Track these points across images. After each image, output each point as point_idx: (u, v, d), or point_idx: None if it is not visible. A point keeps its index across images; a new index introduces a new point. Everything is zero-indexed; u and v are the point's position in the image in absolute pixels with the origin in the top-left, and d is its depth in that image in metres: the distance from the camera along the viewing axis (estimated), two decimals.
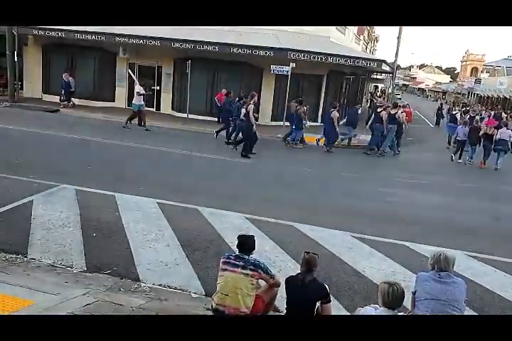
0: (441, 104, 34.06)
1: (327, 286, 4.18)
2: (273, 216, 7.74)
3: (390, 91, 29.90)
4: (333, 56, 17.75)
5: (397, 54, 23.65)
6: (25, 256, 5.63)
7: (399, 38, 23.20)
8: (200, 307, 4.78)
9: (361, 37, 36.96)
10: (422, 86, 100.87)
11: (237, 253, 4.31)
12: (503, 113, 23.79)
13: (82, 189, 8.30)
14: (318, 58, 17.71)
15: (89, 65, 20.83)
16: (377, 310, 3.71)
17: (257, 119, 13.98)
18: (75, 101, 20.06)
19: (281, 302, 4.61)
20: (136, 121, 16.27)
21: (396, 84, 40.80)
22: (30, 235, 6.17)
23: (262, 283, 4.42)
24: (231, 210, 7.85)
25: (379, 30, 79.53)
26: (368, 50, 45.09)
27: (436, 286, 3.81)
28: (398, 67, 32.14)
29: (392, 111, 15.98)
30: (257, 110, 15.32)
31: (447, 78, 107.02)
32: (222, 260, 4.28)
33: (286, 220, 7.63)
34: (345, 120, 18.43)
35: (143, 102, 16.33)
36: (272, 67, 17.50)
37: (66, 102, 19.45)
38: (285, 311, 4.32)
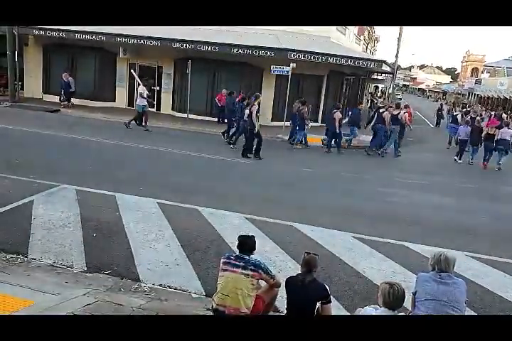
0: (441, 104, 34.06)
1: (327, 287, 4.18)
2: (273, 216, 7.74)
3: (390, 91, 29.88)
4: (334, 56, 17.75)
5: (397, 54, 23.70)
6: (26, 256, 5.63)
7: (399, 38, 23.24)
8: (200, 308, 4.77)
9: (361, 37, 36.95)
10: (423, 86, 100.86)
11: (238, 253, 4.30)
12: (503, 114, 23.81)
13: (83, 189, 8.30)
14: (318, 58, 17.71)
15: (90, 65, 20.84)
16: (378, 311, 3.70)
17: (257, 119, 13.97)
18: (76, 101, 20.09)
19: (281, 302, 4.62)
20: (135, 121, 16.29)
21: (396, 85, 40.82)
22: (30, 235, 6.17)
23: (263, 283, 4.42)
24: (231, 210, 7.85)
25: (379, 30, 79.66)
26: (369, 51, 45.08)
27: (437, 287, 3.80)
28: (398, 67, 32.15)
29: (395, 112, 16.01)
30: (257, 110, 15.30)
31: (448, 78, 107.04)
32: (222, 260, 4.28)
33: (287, 220, 7.63)
34: (346, 120, 18.43)
35: (146, 103, 16.36)
36: (272, 67, 17.50)
37: (66, 102, 19.46)
38: (285, 311, 4.32)
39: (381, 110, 16.33)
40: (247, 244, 4.30)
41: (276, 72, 17.85)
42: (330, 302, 4.17)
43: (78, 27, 17.75)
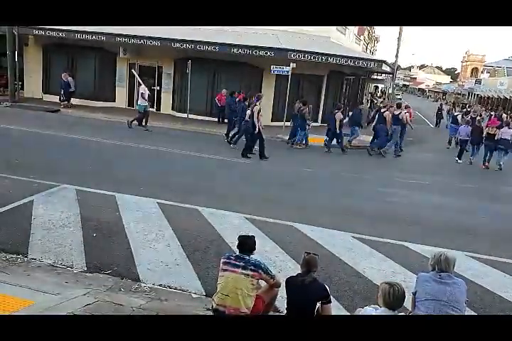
0: (441, 104, 34.06)
1: (327, 287, 4.18)
2: (273, 216, 7.74)
3: (390, 91, 29.89)
4: (334, 56, 17.75)
5: (397, 54, 23.70)
6: (26, 256, 5.63)
7: (399, 38, 23.24)
8: (200, 308, 4.77)
9: (361, 37, 36.96)
10: (423, 86, 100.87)
11: (238, 253, 4.30)
12: (503, 114, 23.81)
13: (83, 189, 8.30)
14: (318, 58, 17.71)
15: (90, 65, 20.84)
16: (378, 311, 3.71)
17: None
18: (76, 101, 20.08)
19: (281, 302, 4.62)
20: (129, 121, 16.29)
21: (396, 85, 40.84)
22: (30, 235, 6.17)
23: (263, 283, 4.42)
24: (231, 210, 7.85)
25: (379, 30, 79.62)
26: (369, 51, 45.09)
27: (437, 287, 3.80)
28: (398, 67, 32.14)
29: (396, 112, 16.02)
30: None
31: (447, 78, 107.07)
32: (222, 260, 4.28)
33: (287, 220, 7.63)
34: (346, 120, 18.42)
35: (147, 103, 16.36)
36: (272, 67, 17.50)
37: (66, 102, 19.46)
38: (285, 311, 4.32)
39: (382, 110, 16.34)
40: (247, 244, 4.30)
41: (276, 72, 17.84)
42: (330, 302, 4.17)
43: (78, 27, 17.75)
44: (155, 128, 16.49)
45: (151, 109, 17.83)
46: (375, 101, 29.59)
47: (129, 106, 21.14)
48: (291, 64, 17.15)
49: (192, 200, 8.20)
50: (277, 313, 4.77)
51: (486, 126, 15.75)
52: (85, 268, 5.50)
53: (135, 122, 16.21)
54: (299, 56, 17.39)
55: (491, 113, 25.75)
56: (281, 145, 15.73)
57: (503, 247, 7.38)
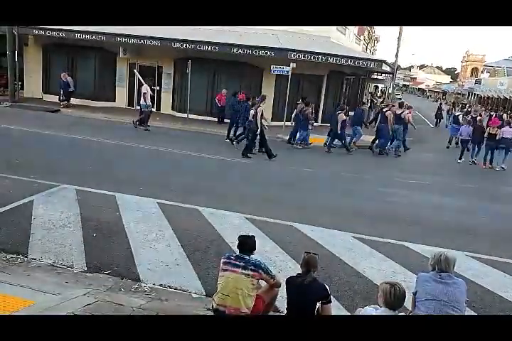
0: (441, 104, 34.06)
1: (327, 287, 4.18)
2: (273, 216, 7.74)
3: (390, 91, 29.88)
4: (334, 56, 17.76)
5: (397, 54, 23.71)
6: (26, 256, 5.63)
7: (399, 38, 23.24)
8: (200, 308, 4.77)
9: (361, 37, 36.96)
10: (423, 86, 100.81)
11: (238, 253, 4.30)
12: (504, 114, 23.80)
13: (83, 189, 8.30)
14: (318, 58, 17.73)
15: (90, 65, 20.85)
16: (378, 311, 3.70)
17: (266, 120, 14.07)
18: (76, 101, 20.10)
19: (281, 302, 4.61)
20: (134, 120, 16.30)
21: (396, 85, 40.84)
22: (30, 235, 6.17)
23: (263, 283, 4.42)
24: (231, 210, 7.85)
25: (379, 30, 79.60)
26: (369, 51, 45.10)
27: (437, 287, 3.81)
28: (398, 67, 32.14)
29: (398, 111, 16.03)
30: None
31: (447, 78, 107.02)
32: (222, 260, 4.28)
33: (287, 220, 7.63)
34: (348, 120, 18.40)
35: (149, 103, 16.37)
36: (272, 67, 17.51)
37: (65, 102, 19.47)
38: (285, 311, 4.32)
39: (384, 109, 16.36)
40: (247, 243, 4.30)
41: (276, 72, 17.85)
42: (330, 302, 4.17)
43: (78, 27, 17.76)
44: (155, 128, 16.49)
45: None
46: (375, 101, 29.56)
47: (129, 106, 21.15)
48: (291, 64, 17.16)
49: (192, 200, 8.20)
50: (277, 313, 4.77)
51: (487, 126, 15.77)
52: (85, 268, 5.50)
53: (139, 121, 16.24)
54: (299, 56, 17.40)
55: (491, 113, 25.72)
56: (281, 145, 15.71)
57: (503, 247, 7.37)
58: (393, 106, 16.91)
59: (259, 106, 13.03)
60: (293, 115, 16.46)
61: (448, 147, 19.22)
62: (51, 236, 6.23)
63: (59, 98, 19.69)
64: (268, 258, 5.91)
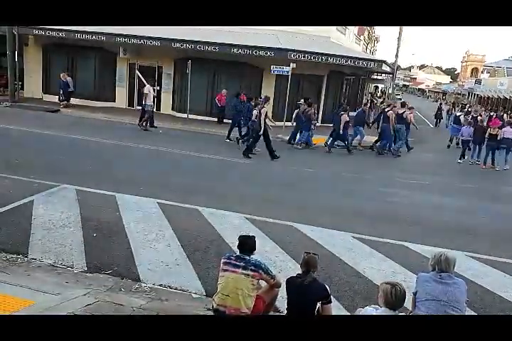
0: (441, 104, 34.07)
1: (327, 287, 4.17)
2: (273, 216, 7.74)
3: (390, 91, 29.89)
4: (334, 56, 17.76)
5: (397, 54, 23.70)
6: (26, 256, 5.63)
7: (399, 38, 23.24)
8: (200, 308, 4.77)
9: (361, 37, 36.96)
10: (422, 86, 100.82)
11: (238, 253, 4.30)
12: (504, 115, 23.81)
13: (83, 189, 8.30)
14: (318, 58, 17.73)
15: (90, 65, 20.85)
16: (378, 311, 3.70)
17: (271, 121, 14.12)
18: (76, 101, 20.10)
19: (281, 302, 4.61)
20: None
21: (396, 85, 40.84)
22: (30, 235, 6.17)
23: (263, 283, 4.42)
24: (231, 210, 7.85)
25: (379, 30, 79.60)
26: (369, 51, 45.08)
27: (437, 287, 3.81)
28: (398, 67, 32.15)
29: (400, 111, 16.03)
30: None
31: (447, 79, 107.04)
32: (222, 260, 4.28)
33: (287, 220, 7.63)
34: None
35: (151, 103, 16.39)
36: (272, 67, 17.50)
37: (65, 102, 19.47)
38: (286, 312, 4.32)
39: (386, 109, 16.37)
40: (247, 244, 4.30)
41: (276, 72, 17.84)
42: (330, 302, 4.17)
43: (78, 27, 17.75)
44: (155, 129, 16.48)
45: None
46: (375, 102, 29.57)
47: (129, 106, 21.15)
48: (291, 64, 17.15)
49: (192, 200, 8.20)
50: (278, 313, 4.77)
51: (488, 127, 15.79)
52: (85, 268, 5.50)
53: (147, 123, 16.26)
54: (299, 56, 17.40)
55: (491, 113, 25.73)
56: (281, 145, 15.68)
57: (503, 247, 7.38)
58: (395, 106, 16.92)
59: (263, 106, 13.02)
60: (293, 115, 16.46)
61: (449, 146, 19.23)
62: (51, 236, 6.23)
63: (59, 98, 19.68)
64: (268, 258, 5.91)
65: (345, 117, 15.20)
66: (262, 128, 12.89)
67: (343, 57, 17.88)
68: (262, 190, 9.82)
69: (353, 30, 29.27)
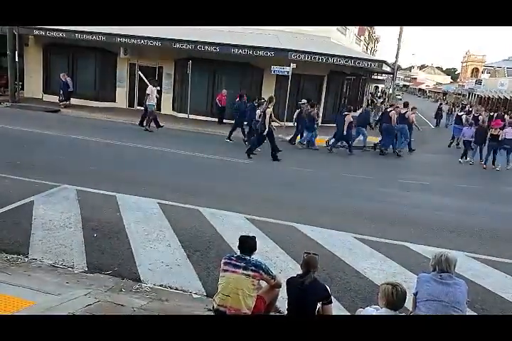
0: (441, 104, 34.07)
1: (328, 287, 4.17)
2: (274, 216, 7.74)
3: (390, 91, 29.89)
4: (334, 57, 17.75)
5: (397, 55, 23.71)
6: (27, 257, 5.63)
7: (399, 38, 23.24)
8: (201, 308, 4.77)
9: (362, 37, 36.97)
10: (423, 87, 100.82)
11: (239, 254, 4.30)
12: (505, 115, 23.80)
13: (83, 189, 8.30)
14: (318, 59, 17.72)
15: (90, 65, 20.85)
16: (379, 311, 3.70)
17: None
18: (76, 101, 20.09)
19: (282, 303, 4.61)
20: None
21: (396, 85, 40.82)
22: (31, 235, 6.17)
23: (263, 283, 4.42)
24: (232, 211, 7.85)
25: (379, 30, 79.65)
26: (369, 51, 45.10)
27: (438, 287, 3.80)
28: (399, 67, 32.15)
29: (402, 111, 16.03)
30: None
31: (448, 79, 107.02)
32: (223, 261, 4.28)
33: (287, 220, 7.63)
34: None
35: (154, 103, 16.41)
36: (273, 67, 17.50)
37: (65, 102, 19.48)
38: (286, 312, 4.32)
39: (389, 109, 16.38)
40: (247, 244, 4.30)
41: (276, 72, 17.84)
42: (331, 302, 4.17)
43: (78, 27, 17.75)
44: (155, 129, 16.49)
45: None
46: (375, 102, 29.60)
47: (129, 106, 21.15)
48: (291, 64, 17.15)
49: (193, 200, 8.20)
50: (278, 314, 4.77)
51: (489, 127, 15.79)
52: (86, 269, 5.50)
53: (152, 123, 16.27)
54: (299, 56, 17.39)
55: (491, 114, 25.73)
56: (281, 146, 15.65)
57: (504, 247, 7.37)
58: (397, 106, 16.93)
59: (268, 107, 13.01)
60: (294, 116, 16.45)
61: (450, 144, 19.22)
62: (52, 236, 6.22)
63: (59, 98, 19.69)
64: (268, 258, 5.91)
65: (349, 118, 15.20)
66: (267, 129, 12.88)
67: (343, 57, 17.88)
68: (263, 190, 9.82)
69: (353, 30, 29.27)
